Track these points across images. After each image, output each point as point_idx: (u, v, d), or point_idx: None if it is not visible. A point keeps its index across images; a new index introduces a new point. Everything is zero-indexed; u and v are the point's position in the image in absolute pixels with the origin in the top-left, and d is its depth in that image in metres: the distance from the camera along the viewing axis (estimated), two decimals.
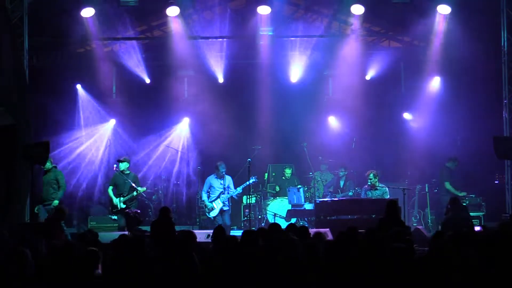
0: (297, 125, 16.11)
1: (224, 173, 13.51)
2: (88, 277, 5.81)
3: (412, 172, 15.20)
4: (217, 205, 13.41)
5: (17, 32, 13.18)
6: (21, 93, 13.01)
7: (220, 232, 7.96)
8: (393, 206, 9.75)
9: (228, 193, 13.44)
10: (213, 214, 13.46)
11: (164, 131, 16.36)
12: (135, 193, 13.08)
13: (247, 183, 13.49)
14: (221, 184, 13.48)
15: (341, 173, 14.83)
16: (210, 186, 13.55)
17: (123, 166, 13.25)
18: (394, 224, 8.72)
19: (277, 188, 15.24)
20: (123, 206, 12.92)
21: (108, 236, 11.05)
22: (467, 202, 13.53)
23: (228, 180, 13.57)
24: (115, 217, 13.23)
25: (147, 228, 11.15)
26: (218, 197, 13.42)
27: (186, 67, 15.79)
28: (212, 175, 13.66)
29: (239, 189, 13.50)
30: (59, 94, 15.46)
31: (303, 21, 16.15)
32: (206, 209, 13.59)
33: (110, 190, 13.26)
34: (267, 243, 6.85)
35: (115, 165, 13.53)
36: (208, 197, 13.51)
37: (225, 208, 13.47)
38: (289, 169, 15.19)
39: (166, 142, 16.22)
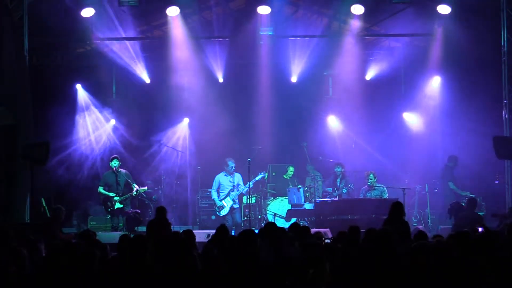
0: (297, 125, 16.12)
1: (233, 169, 13.49)
2: (88, 277, 5.80)
3: (412, 172, 15.19)
4: (227, 203, 13.41)
5: (17, 32, 13.18)
6: (21, 93, 13.02)
7: (223, 232, 7.63)
8: (397, 207, 9.62)
9: (238, 190, 13.45)
10: (223, 212, 13.46)
11: (164, 131, 16.35)
12: (134, 193, 13.00)
13: (256, 178, 13.52)
14: (230, 181, 13.47)
15: (337, 169, 14.67)
16: (219, 184, 13.54)
17: (115, 163, 13.10)
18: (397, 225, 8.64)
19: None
20: (120, 206, 12.79)
21: (108, 236, 11.10)
22: None
23: (238, 177, 13.57)
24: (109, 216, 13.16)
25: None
26: (228, 195, 13.43)
27: (186, 67, 15.78)
28: (222, 173, 13.65)
29: (251, 184, 13.44)
30: (59, 94, 15.46)
31: (303, 21, 16.14)
32: (216, 207, 13.57)
33: (101, 189, 13.11)
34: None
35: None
36: (218, 195, 13.51)
37: (235, 206, 13.49)
38: (292, 167, 15.13)
39: (166, 142, 16.20)
